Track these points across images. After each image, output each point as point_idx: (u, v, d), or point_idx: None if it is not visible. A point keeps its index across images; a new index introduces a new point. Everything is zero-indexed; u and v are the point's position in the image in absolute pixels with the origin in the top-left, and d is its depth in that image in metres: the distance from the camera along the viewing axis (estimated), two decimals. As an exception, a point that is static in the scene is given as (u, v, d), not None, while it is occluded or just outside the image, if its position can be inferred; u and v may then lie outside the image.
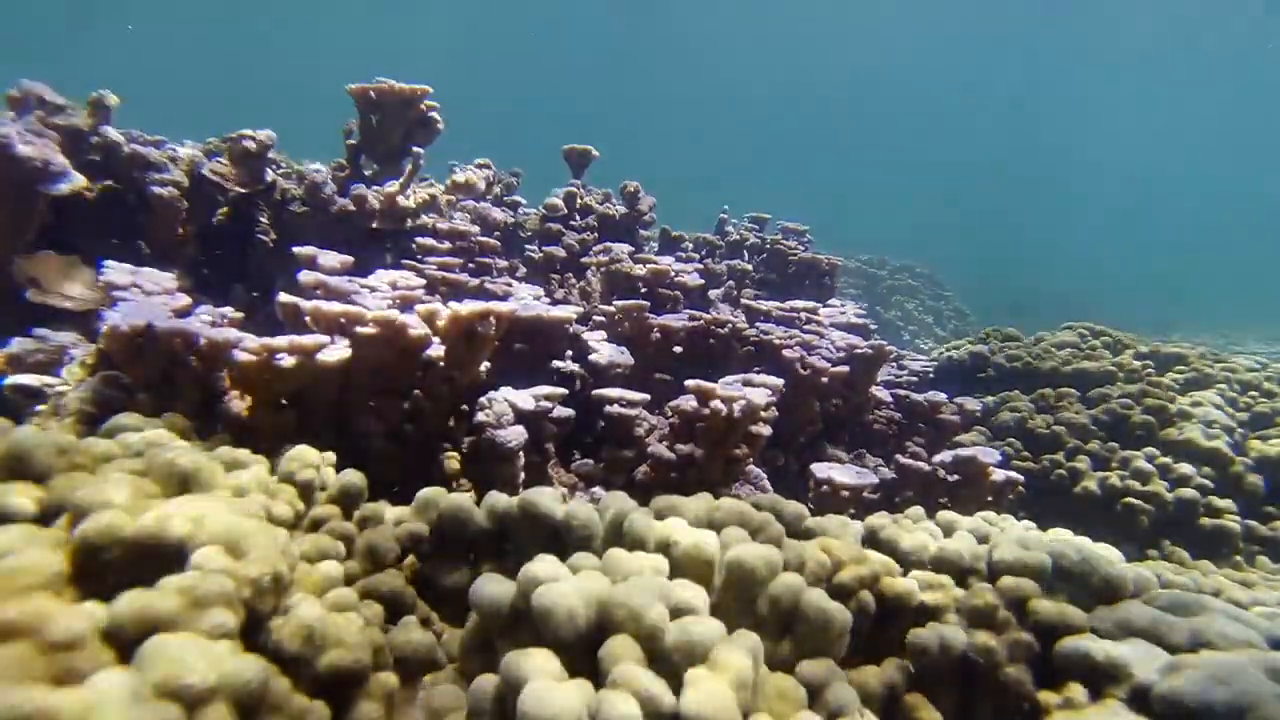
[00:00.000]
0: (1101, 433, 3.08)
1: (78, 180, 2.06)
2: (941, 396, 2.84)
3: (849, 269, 9.04)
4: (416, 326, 1.72)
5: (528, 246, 3.53)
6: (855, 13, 35.32)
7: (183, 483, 0.98)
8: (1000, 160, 46.46)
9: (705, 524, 1.13)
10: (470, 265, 2.72)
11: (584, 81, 44.87)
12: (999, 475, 2.32)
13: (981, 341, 4.07)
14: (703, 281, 3.36)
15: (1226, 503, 2.76)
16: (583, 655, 0.88)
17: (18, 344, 1.74)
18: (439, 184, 3.57)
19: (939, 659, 1.10)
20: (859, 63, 40.95)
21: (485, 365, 1.94)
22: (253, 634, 0.84)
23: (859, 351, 2.68)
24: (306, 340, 1.54)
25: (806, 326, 2.98)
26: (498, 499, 1.25)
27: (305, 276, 2.00)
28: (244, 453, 1.18)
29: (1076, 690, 1.07)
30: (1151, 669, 1.04)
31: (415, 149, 2.91)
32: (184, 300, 1.81)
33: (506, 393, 1.95)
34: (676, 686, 0.84)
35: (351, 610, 1.01)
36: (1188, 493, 2.75)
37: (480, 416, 1.86)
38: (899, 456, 2.47)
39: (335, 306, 1.70)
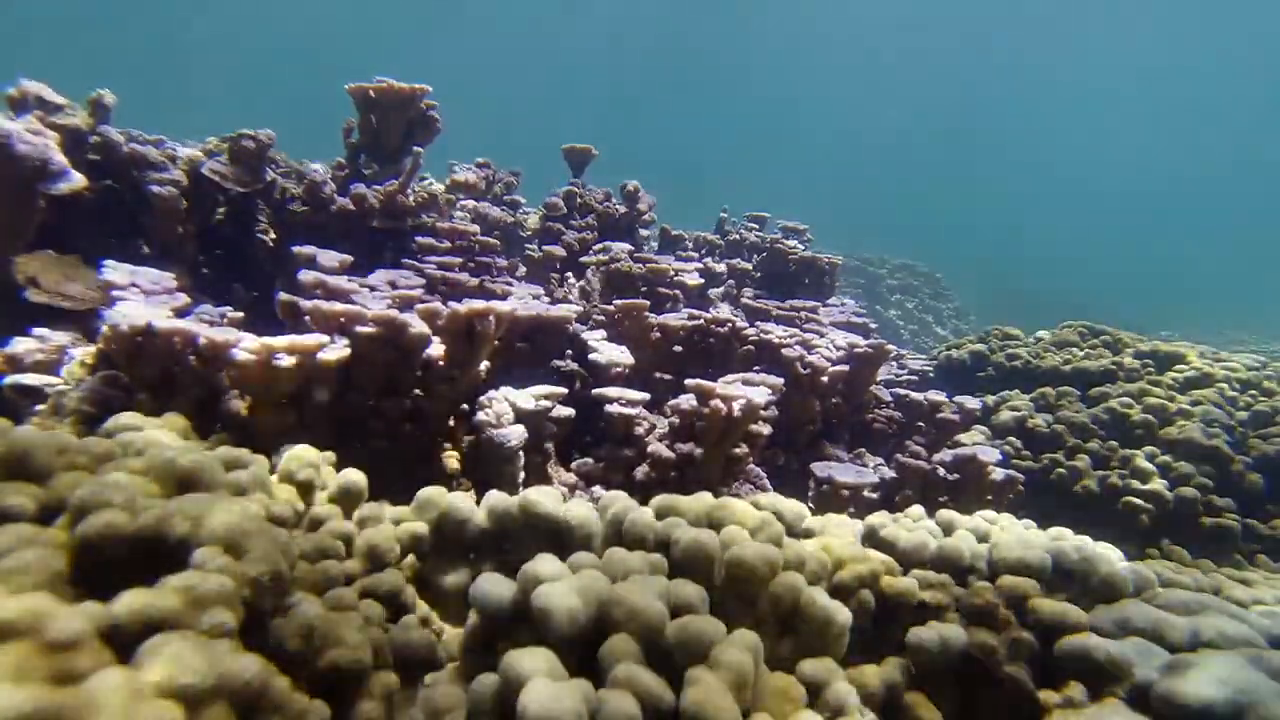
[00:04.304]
0: (1101, 431, 3.08)
1: (77, 180, 2.06)
2: (941, 396, 2.84)
3: (849, 268, 9.04)
4: (416, 326, 1.72)
5: (528, 246, 3.52)
6: (857, 11, 35.31)
7: (183, 483, 0.98)
8: (1001, 160, 46.49)
9: (705, 523, 1.13)
10: (470, 265, 2.72)
11: (584, 80, 44.88)
12: (999, 474, 2.32)
13: (981, 341, 4.07)
14: (702, 281, 3.36)
15: (1226, 501, 2.76)
16: (583, 654, 0.88)
17: (18, 344, 1.74)
18: (439, 183, 3.57)
19: (939, 658, 1.10)
20: (859, 61, 40.94)
21: (485, 365, 1.94)
22: (253, 633, 0.84)
23: (859, 350, 2.68)
24: (306, 340, 1.54)
25: (806, 325, 2.98)
26: (498, 499, 1.25)
27: (305, 276, 2.00)
28: (244, 452, 1.17)
29: (1077, 689, 1.07)
30: (1151, 668, 1.04)
31: (415, 148, 2.91)
32: (184, 300, 1.81)
33: (506, 392, 1.95)
34: (677, 685, 0.84)
35: (351, 610, 1.01)
36: (1188, 492, 2.75)
37: (480, 416, 1.86)
38: (899, 456, 2.47)
39: (335, 306, 1.70)
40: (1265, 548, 2.74)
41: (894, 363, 3.73)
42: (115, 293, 1.81)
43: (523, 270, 3.26)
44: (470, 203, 3.58)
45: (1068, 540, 1.34)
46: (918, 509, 1.49)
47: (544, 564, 0.99)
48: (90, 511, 0.82)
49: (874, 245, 10.91)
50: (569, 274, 3.33)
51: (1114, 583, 1.22)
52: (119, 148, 2.46)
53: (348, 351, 1.65)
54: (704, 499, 1.19)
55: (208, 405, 1.57)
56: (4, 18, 30.83)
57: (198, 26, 36.61)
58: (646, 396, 2.18)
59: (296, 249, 2.25)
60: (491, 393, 1.94)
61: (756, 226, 4.37)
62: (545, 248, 3.35)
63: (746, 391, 1.96)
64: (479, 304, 1.80)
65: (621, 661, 0.84)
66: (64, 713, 0.62)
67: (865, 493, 2.16)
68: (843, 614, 1.02)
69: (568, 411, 2.13)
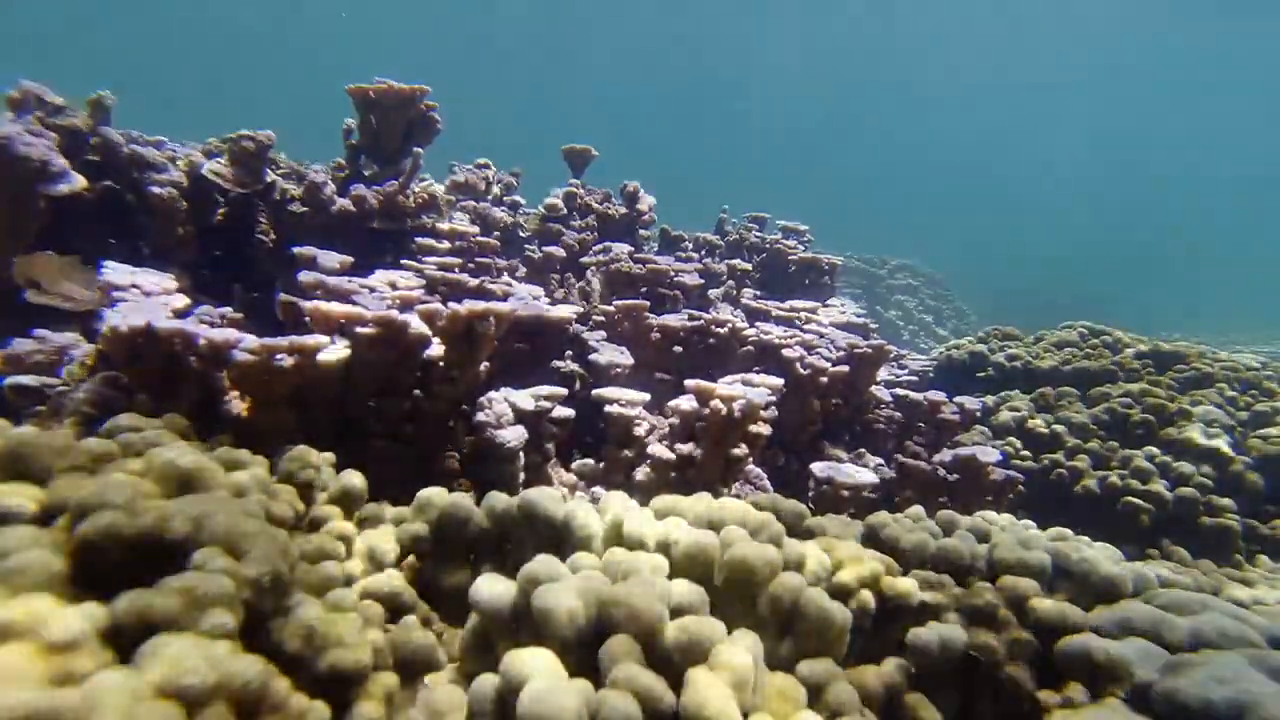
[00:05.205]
0: (1101, 432, 3.08)
1: (77, 180, 2.06)
2: (941, 396, 2.84)
3: (849, 268, 9.05)
4: (416, 326, 1.72)
5: (527, 246, 3.53)
6: (858, 11, 35.32)
7: (183, 483, 0.98)
8: (1001, 160, 46.50)
9: (705, 524, 1.13)
10: (470, 265, 2.72)
11: (585, 79, 44.87)
12: (999, 474, 2.32)
13: (981, 341, 4.07)
14: (702, 281, 3.36)
15: (1227, 502, 2.75)
16: (583, 655, 0.88)
17: (18, 344, 1.74)
18: (439, 184, 3.57)
19: (939, 658, 1.10)
20: (859, 61, 40.95)
21: (485, 365, 1.94)
22: (253, 634, 0.84)
23: (859, 351, 2.68)
24: (306, 340, 1.54)
25: (806, 326, 2.98)
26: (498, 499, 1.25)
27: (305, 276, 2.00)
28: (244, 453, 1.17)
29: (1077, 689, 1.07)
30: (1151, 668, 1.04)
31: (415, 149, 2.91)
32: (183, 300, 1.81)
33: (506, 393, 1.95)
34: (676, 686, 0.84)
35: (351, 610, 1.01)
36: (1188, 492, 2.75)
37: (480, 416, 1.86)
38: (899, 456, 2.47)
39: (335, 307, 1.70)
40: (1265, 548, 2.74)
41: (894, 363, 3.73)
42: (115, 294, 1.81)
43: (523, 271, 3.26)
44: (470, 203, 3.58)
45: (1068, 540, 1.34)
46: (918, 509, 1.49)
47: (544, 565, 0.99)
48: (90, 512, 0.82)
49: (874, 246, 10.91)
50: (569, 275, 3.33)
51: (1114, 583, 1.22)
52: (119, 149, 2.46)
53: (348, 352, 1.65)
54: (704, 499, 1.19)
55: (208, 406, 1.57)
56: (4, 18, 30.84)
57: (198, 27, 36.62)
58: (646, 397, 2.18)
59: (297, 250, 2.25)
60: (491, 393, 1.94)
61: (756, 227, 4.37)
62: (545, 248, 3.35)
63: (746, 392, 1.96)
64: (479, 305, 1.80)
65: (621, 662, 0.84)
66: (64, 714, 0.62)
67: (865, 493, 2.16)
68: (843, 614, 1.02)
69: (567, 412, 2.13)
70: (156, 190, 2.44)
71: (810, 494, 2.24)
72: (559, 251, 3.33)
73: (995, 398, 3.49)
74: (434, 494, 1.30)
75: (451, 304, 1.80)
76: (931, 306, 9.57)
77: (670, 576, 1.01)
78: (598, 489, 2.11)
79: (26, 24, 32.20)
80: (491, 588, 1.00)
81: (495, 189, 3.96)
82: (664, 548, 1.07)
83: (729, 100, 47.69)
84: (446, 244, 2.74)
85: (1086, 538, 1.40)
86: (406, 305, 1.89)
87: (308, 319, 1.75)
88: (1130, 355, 3.60)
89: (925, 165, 46.55)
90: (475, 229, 2.94)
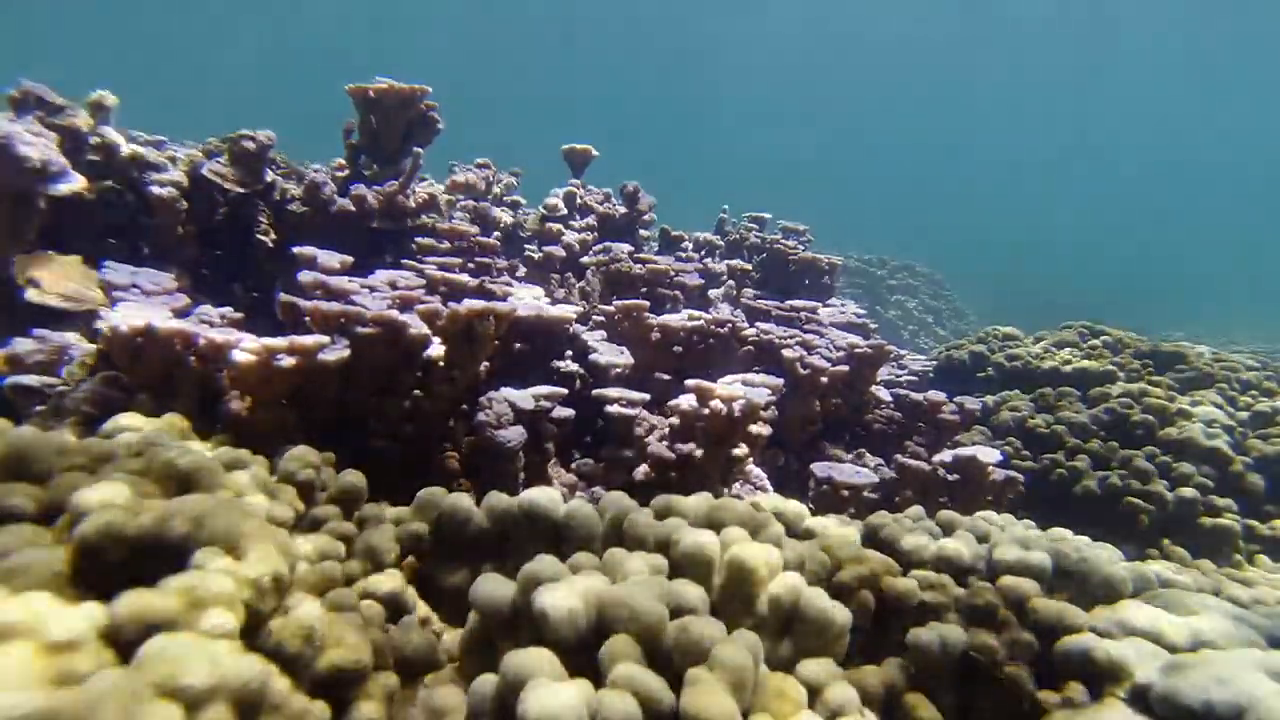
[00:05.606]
0: (1101, 432, 3.08)
1: (78, 180, 2.06)
2: (941, 396, 2.84)
3: (849, 268, 9.05)
4: (416, 326, 1.72)
5: (527, 246, 3.53)
6: (858, 11, 35.35)
7: (183, 483, 0.98)
8: (1001, 159, 46.54)
9: (705, 524, 1.13)
10: (470, 265, 2.72)
11: (585, 79, 44.88)
12: (999, 475, 2.32)
13: (981, 341, 4.07)
14: (702, 281, 3.36)
15: (1226, 502, 2.75)
16: (583, 655, 0.88)
17: (18, 344, 1.74)
18: (439, 184, 3.57)
19: (939, 658, 1.10)
20: (860, 59, 40.98)
21: (485, 365, 1.95)
22: (253, 634, 0.84)
23: (859, 351, 2.68)
24: (306, 340, 1.54)
25: (806, 326, 2.98)
26: (498, 499, 1.25)
27: (305, 276, 2.00)
28: (244, 453, 1.18)
29: (1076, 690, 1.07)
30: (1151, 668, 1.04)
31: (415, 149, 2.91)
32: (183, 300, 1.81)
33: (506, 392, 1.95)
34: (676, 686, 0.84)
35: (351, 610, 1.01)
36: (1188, 492, 2.74)
37: (480, 416, 1.86)
38: (899, 456, 2.47)
39: (335, 306, 1.70)
40: (1265, 548, 2.74)
41: (894, 363, 3.73)
42: (115, 293, 1.82)
43: (523, 271, 3.26)
44: (470, 203, 3.58)
45: (1068, 541, 1.34)
46: (918, 509, 1.49)
47: (544, 565, 0.99)
48: (91, 512, 0.83)
49: (874, 246, 10.91)
50: (569, 275, 3.33)
51: (1114, 583, 1.22)
52: (119, 149, 2.46)
53: (348, 352, 1.65)
54: (704, 500, 1.19)
55: (208, 406, 1.57)
56: (4, 18, 30.85)
57: (197, 27, 36.65)
58: (646, 397, 2.18)
59: (297, 250, 2.25)
60: (491, 393, 1.94)
61: (756, 227, 4.37)
62: (545, 248, 3.35)
63: (746, 392, 1.96)
64: (479, 304, 1.80)
65: (621, 662, 0.84)
66: (64, 714, 0.62)
67: (865, 493, 2.16)
68: (842, 614, 1.02)
69: (567, 412, 2.13)
70: (156, 190, 2.44)
71: (810, 494, 2.24)
72: (559, 251, 3.33)
73: (995, 398, 3.48)
74: (434, 494, 1.30)
75: (451, 304, 1.81)
76: (931, 306, 9.57)
77: (670, 577, 1.01)
78: (598, 489, 2.11)
79: (26, 24, 32.24)
80: (491, 588, 1.00)
81: (495, 189, 3.96)
82: (664, 548, 1.07)
83: (730, 100, 47.70)
84: (446, 244, 2.74)
85: (1086, 538, 1.40)
86: (406, 305, 1.89)
87: (308, 319, 1.75)
88: (1130, 356, 3.60)
89: (926, 165, 46.60)
90: (475, 229, 2.94)
